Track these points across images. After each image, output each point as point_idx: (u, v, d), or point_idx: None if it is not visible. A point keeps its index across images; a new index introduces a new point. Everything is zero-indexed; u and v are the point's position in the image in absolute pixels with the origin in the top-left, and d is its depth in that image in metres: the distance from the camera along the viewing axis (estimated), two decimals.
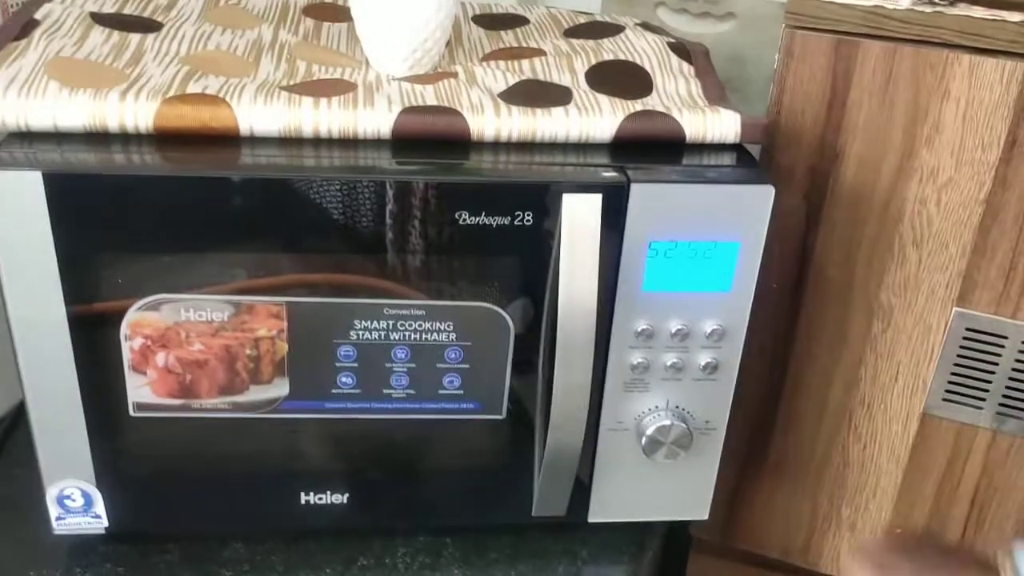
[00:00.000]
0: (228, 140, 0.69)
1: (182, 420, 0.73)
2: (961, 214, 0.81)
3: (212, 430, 0.74)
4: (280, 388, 0.73)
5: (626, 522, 0.84)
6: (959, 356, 0.86)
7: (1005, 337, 0.83)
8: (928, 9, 0.76)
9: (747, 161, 0.75)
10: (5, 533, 0.81)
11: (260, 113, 0.69)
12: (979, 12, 0.75)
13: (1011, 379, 0.85)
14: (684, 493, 0.83)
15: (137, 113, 0.67)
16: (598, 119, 0.72)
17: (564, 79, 0.79)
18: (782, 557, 1.01)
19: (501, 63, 0.81)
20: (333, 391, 0.74)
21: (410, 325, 0.72)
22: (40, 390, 0.70)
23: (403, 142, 0.71)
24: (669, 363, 0.76)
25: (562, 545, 0.84)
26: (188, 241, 0.67)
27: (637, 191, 0.69)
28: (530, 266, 0.71)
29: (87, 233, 0.66)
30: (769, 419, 0.95)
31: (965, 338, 0.85)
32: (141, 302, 0.69)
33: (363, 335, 0.72)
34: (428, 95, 0.74)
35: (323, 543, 0.82)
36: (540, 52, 0.84)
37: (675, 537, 1.04)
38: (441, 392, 0.75)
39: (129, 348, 0.70)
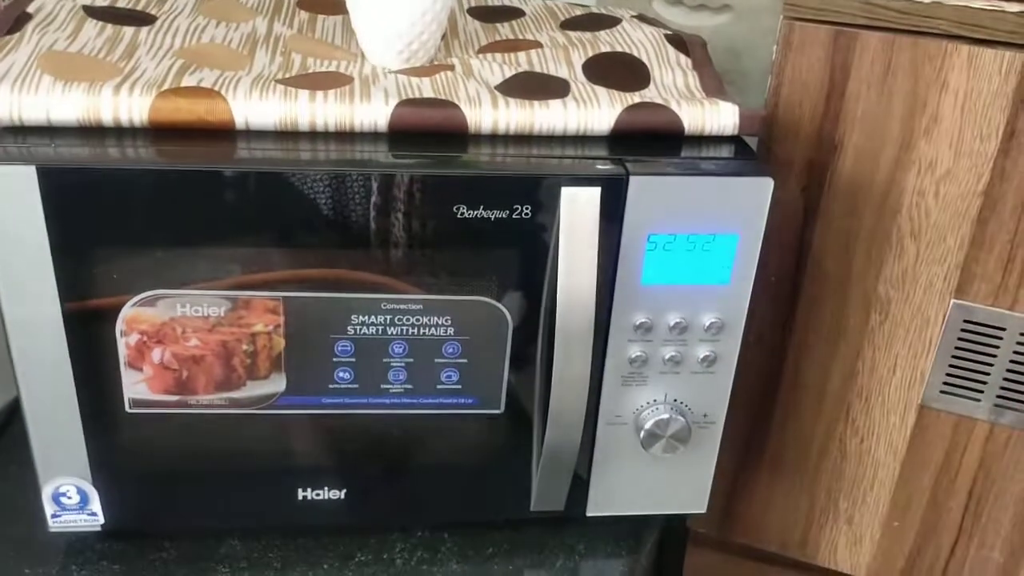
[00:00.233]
0: (223, 134, 0.69)
1: (178, 416, 0.73)
2: (959, 206, 0.80)
3: (209, 426, 0.74)
4: (277, 384, 0.73)
5: (624, 516, 0.84)
6: (957, 348, 0.86)
7: (1003, 329, 0.83)
8: None
9: (745, 153, 0.74)
10: (0, 531, 0.80)
11: (256, 106, 0.68)
12: (978, 3, 0.75)
13: (1009, 371, 0.85)
14: (682, 487, 0.82)
15: (132, 107, 0.67)
16: (596, 111, 0.72)
17: (561, 71, 0.78)
18: (780, 550, 1.01)
19: (498, 55, 0.81)
20: (330, 386, 0.73)
21: (408, 320, 0.72)
22: (35, 387, 0.70)
23: (400, 135, 0.70)
24: (667, 356, 0.75)
25: (560, 539, 0.83)
26: (184, 236, 0.67)
27: (636, 183, 0.69)
28: (528, 259, 0.70)
29: (82, 228, 0.65)
30: (767, 412, 0.95)
31: (963, 330, 0.85)
32: (137, 298, 0.68)
33: (360, 330, 0.72)
34: (425, 88, 0.73)
35: (321, 539, 0.81)
36: (537, 44, 0.84)
37: (673, 531, 1.04)
38: (439, 387, 0.75)
39: (125, 344, 0.70)
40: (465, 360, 0.74)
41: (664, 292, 0.73)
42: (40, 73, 0.68)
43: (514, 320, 0.73)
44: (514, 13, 0.92)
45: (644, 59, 0.81)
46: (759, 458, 0.97)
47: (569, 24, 0.89)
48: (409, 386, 0.74)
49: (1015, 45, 0.74)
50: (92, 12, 0.80)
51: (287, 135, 0.69)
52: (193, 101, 0.68)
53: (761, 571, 1.08)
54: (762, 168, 0.72)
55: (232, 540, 0.81)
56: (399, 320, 0.72)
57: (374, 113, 0.70)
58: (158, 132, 0.68)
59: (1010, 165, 0.78)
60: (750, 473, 0.98)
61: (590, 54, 0.81)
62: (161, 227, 0.66)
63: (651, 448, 0.78)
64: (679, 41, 0.85)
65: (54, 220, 0.64)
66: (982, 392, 0.86)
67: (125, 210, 0.65)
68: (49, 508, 0.75)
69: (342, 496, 0.78)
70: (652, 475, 0.81)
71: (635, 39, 0.85)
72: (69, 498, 0.75)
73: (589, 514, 0.82)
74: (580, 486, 0.80)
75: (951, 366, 0.87)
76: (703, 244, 0.71)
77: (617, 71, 0.79)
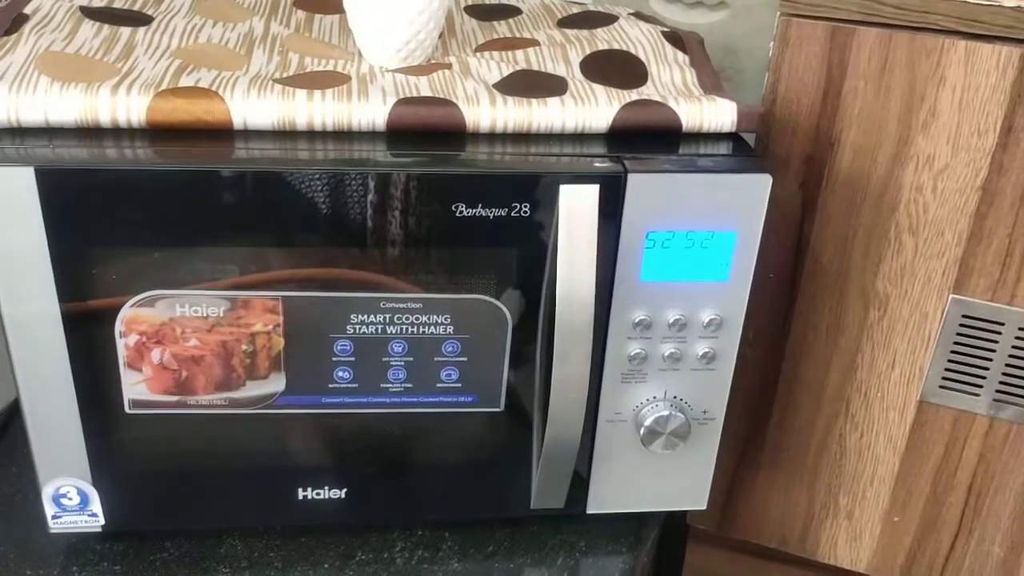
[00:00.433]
0: (221, 134, 0.69)
1: (178, 417, 0.73)
2: (957, 201, 0.81)
3: (208, 426, 0.74)
4: (276, 383, 0.73)
5: (624, 513, 0.84)
6: (956, 343, 0.86)
7: (1002, 324, 0.83)
8: None
9: (743, 150, 0.74)
10: (1, 532, 0.80)
11: (254, 106, 0.68)
12: None
13: (1008, 366, 0.85)
14: (682, 483, 0.82)
15: (129, 107, 0.67)
16: (594, 109, 0.72)
17: (559, 69, 0.78)
18: (779, 546, 1.02)
19: (495, 54, 0.81)
20: (330, 386, 0.73)
21: (407, 318, 0.72)
22: (34, 388, 0.70)
23: (398, 134, 0.70)
24: (667, 353, 0.75)
25: (561, 537, 0.84)
26: (183, 236, 0.67)
27: (634, 181, 0.69)
28: (527, 257, 0.70)
29: (80, 229, 0.65)
30: (766, 408, 0.95)
31: (962, 325, 0.85)
32: (136, 298, 0.68)
33: (360, 329, 0.72)
34: (422, 86, 0.73)
35: (321, 539, 0.81)
36: (534, 42, 0.84)
37: (673, 527, 1.04)
38: (439, 385, 0.75)
39: (124, 345, 0.69)
40: (465, 358, 0.74)
41: (663, 289, 0.73)
42: (38, 74, 0.68)
43: (513, 318, 0.73)
44: (511, 11, 0.92)
45: (641, 56, 0.81)
46: (759, 454, 0.97)
47: (566, 22, 0.89)
48: (409, 385, 0.74)
49: (1012, 40, 0.75)
50: (89, 13, 0.80)
51: (285, 135, 0.69)
52: (191, 101, 0.68)
53: (761, 567, 1.08)
54: (760, 165, 0.72)
55: (233, 540, 0.81)
56: (398, 319, 0.72)
57: (372, 112, 0.69)
58: (156, 132, 0.68)
59: (1008, 159, 0.78)
60: (750, 469, 0.98)
61: (587, 52, 0.81)
62: (160, 227, 0.66)
63: (651, 445, 0.78)
64: (676, 38, 0.85)
65: (52, 221, 0.64)
66: (981, 387, 0.86)
67: (124, 211, 0.65)
68: (49, 509, 0.75)
69: (342, 495, 0.78)
70: (652, 472, 0.81)
71: (632, 37, 0.85)
72: (69, 499, 0.75)
73: (589, 511, 0.82)
74: (580, 483, 0.80)
75: (950, 361, 0.87)
76: (701, 241, 0.71)
77: (615, 69, 0.79)
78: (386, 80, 0.74)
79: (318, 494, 0.78)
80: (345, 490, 0.78)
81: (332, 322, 0.71)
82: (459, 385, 0.75)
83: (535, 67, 0.79)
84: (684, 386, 0.77)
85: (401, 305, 0.71)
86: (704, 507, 0.84)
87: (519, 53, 0.81)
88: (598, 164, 0.69)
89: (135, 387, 0.71)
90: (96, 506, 0.75)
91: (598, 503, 0.82)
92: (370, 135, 0.70)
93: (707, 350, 0.76)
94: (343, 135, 0.70)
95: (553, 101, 0.72)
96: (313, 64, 0.77)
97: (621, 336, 0.74)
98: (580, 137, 0.73)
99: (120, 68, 0.71)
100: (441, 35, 0.82)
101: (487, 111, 0.71)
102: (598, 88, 0.75)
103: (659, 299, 0.73)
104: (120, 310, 0.68)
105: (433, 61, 0.79)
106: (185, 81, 0.70)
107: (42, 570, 0.77)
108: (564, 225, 0.68)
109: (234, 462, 0.77)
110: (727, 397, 0.79)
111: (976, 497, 0.92)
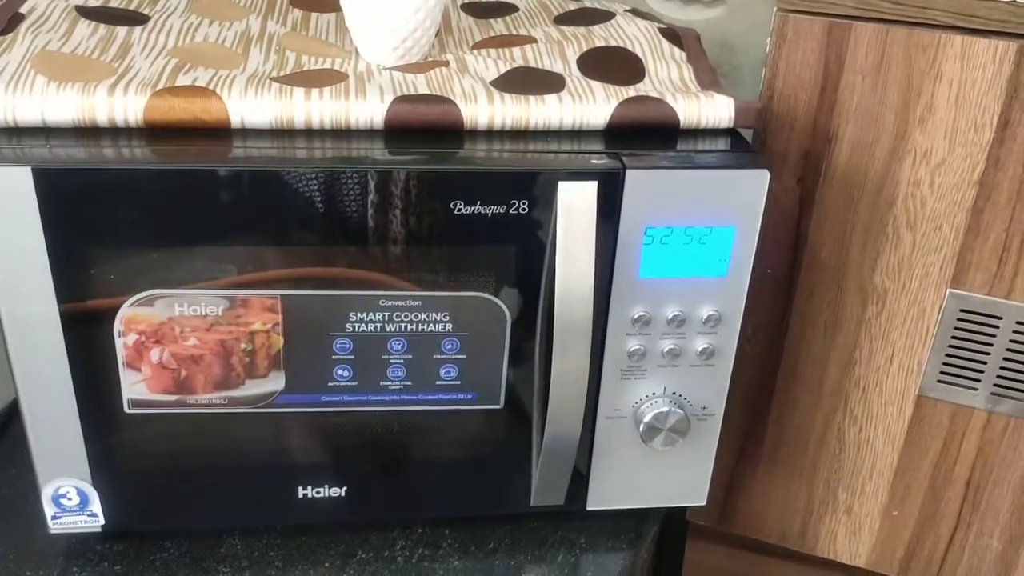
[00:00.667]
0: (219, 133, 0.68)
1: (178, 416, 0.73)
2: (954, 195, 0.81)
3: (208, 425, 0.74)
4: (276, 382, 0.73)
5: (624, 509, 0.84)
6: (953, 338, 0.86)
7: (999, 318, 0.84)
8: None
9: (741, 146, 0.74)
10: (0, 533, 0.80)
11: (251, 105, 0.68)
12: None
13: (1006, 360, 0.85)
14: (682, 479, 0.83)
15: (126, 107, 0.67)
16: (592, 106, 0.72)
17: (556, 66, 0.78)
18: (779, 542, 1.02)
19: (492, 51, 0.81)
20: (329, 384, 0.73)
21: (406, 316, 0.72)
22: (33, 388, 0.70)
23: (396, 132, 0.70)
24: (666, 349, 0.75)
25: (561, 533, 0.84)
26: (181, 235, 0.67)
27: (632, 177, 0.69)
28: (526, 254, 0.70)
29: (78, 229, 0.65)
30: (765, 404, 0.95)
31: (959, 319, 0.85)
32: (134, 298, 0.68)
33: (359, 327, 0.71)
34: (420, 84, 0.73)
35: (321, 537, 0.81)
36: (531, 39, 0.84)
37: (673, 523, 1.04)
38: (438, 383, 0.75)
39: (123, 344, 0.69)
40: (464, 356, 0.74)
41: (661, 285, 0.73)
42: (34, 74, 0.68)
43: (512, 315, 0.73)
44: (508, 9, 0.92)
45: (639, 53, 0.81)
46: (758, 450, 0.97)
47: (563, 19, 0.89)
48: (408, 383, 0.74)
49: (1008, 34, 0.75)
50: (85, 12, 0.80)
51: (283, 133, 0.69)
52: (188, 100, 0.68)
53: (761, 563, 1.08)
54: (758, 160, 0.72)
55: (233, 539, 0.81)
56: (397, 317, 0.72)
57: (369, 110, 0.69)
58: (153, 132, 0.68)
59: (1004, 154, 0.78)
60: (749, 465, 0.99)
61: (585, 49, 0.81)
62: (158, 227, 0.66)
63: (650, 441, 0.78)
64: (673, 35, 0.85)
65: (50, 221, 0.64)
66: (979, 381, 0.87)
67: (122, 210, 0.65)
68: (49, 510, 0.75)
69: (343, 493, 0.78)
70: (651, 468, 0.81)
71: (629, 33, 0.85)
72: (69, 499, 0.74)
73: (589, 508, 0.82)
74: (580, 480, 0.80)
75: (948, 355, 0.87)
76: (700, 237, 0.71)
77: (612, 65, 0.79)
78: (383, 78, 0.74)
79: (318, 493, 0.78)
80: (345, 488, 0.78)
81: (331, 320, 0.71)
82: (458, 383, 0.75)
83: (532, 64, 0.79)
84: (683, 382, 0.77)
85: (400, 303, 0.71)
86: (704, 503, 0.84)
87: (516, 50, 0.81)
88: (596, 161, 0.69)
89: (134, 387, 0.71)
90: (96, 506, 0.75)
91: (598, 500, 0.82)
92: (368, 133, 0.70)
93: (706, 346, 0.76)
94: (341, 133, 0.70)
95: (551, 98, 0.72)
96: (310, 62, 0.76)
97: (620, 332, 0.74)
98: (578, 134, 0.73)
99: (117, 67, 0.71)
100: (438, 33, 0.82)
101: (485, 108, 0.71)
102: (596, 85, 0.75)
103: (658, 295, 0.73)
104: (119, 310, 0.68)
105: (430, 59, 0.79)
106: (182, 80, 0.70)
107: (42, 570, 0.77)
108: (563, 222, 0.68)
109: (234, 461, 0.77)
110: (726, 393, 0.79)
111: (974, 491, 0.92)
